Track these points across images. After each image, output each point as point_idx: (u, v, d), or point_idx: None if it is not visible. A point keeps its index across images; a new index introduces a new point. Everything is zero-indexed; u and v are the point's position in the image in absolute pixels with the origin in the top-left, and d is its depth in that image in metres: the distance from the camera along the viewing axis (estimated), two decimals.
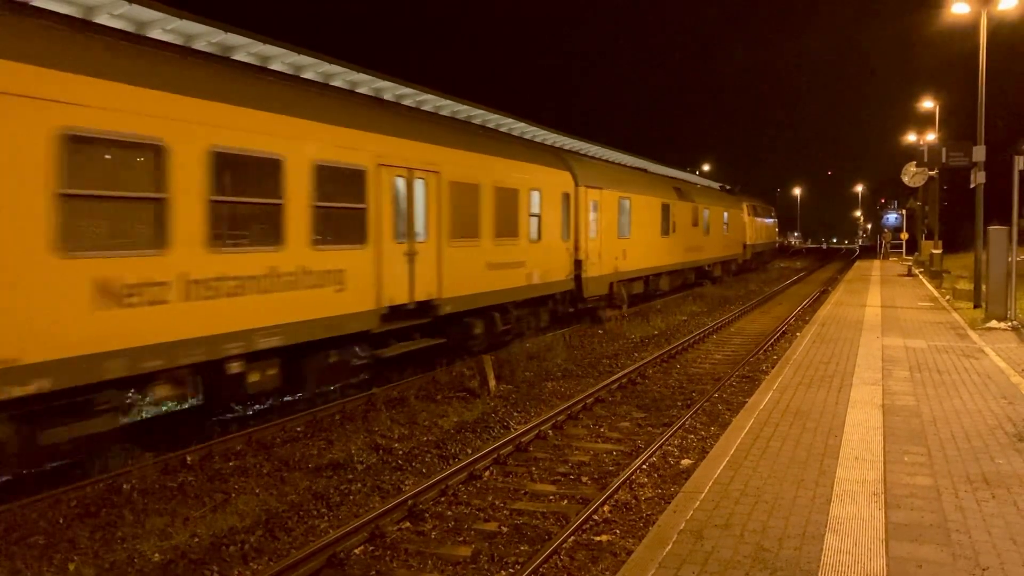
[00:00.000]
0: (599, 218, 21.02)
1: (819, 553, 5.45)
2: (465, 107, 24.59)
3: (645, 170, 32.37)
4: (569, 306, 19.97)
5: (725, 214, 38.38)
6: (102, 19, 13.19)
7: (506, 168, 16.21)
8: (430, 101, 23.01)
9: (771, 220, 58.39)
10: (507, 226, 16.07)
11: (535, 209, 17.40)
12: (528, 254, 16.99)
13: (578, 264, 19.75)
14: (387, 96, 21.27)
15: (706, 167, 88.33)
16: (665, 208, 27.55)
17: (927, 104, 41.96)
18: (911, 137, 48.38)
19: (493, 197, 15.47)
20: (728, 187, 56.85)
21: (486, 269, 15.24)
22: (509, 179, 16.20)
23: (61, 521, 7.36)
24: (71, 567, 6.44)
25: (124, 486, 8.19)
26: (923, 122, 46.23)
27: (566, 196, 19.17)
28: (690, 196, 31.53)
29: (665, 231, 27.55)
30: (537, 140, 28.69)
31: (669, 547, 5.59)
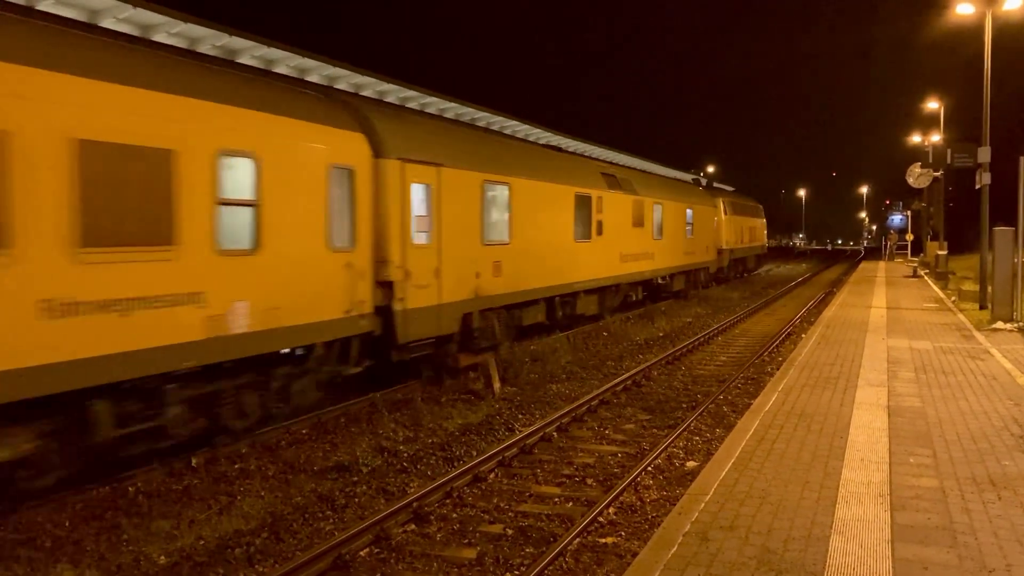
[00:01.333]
0: (439, 213, 13.03)
1: (824, 555, 5.44)
2: (469, 109, 24.63)
3: (559, 148, 23.97)
4: (363, 360, 11.73)
5: (689, 211, 29.70)
6: (107, 23, 13.25)
7: (121, 103, 7.87)
8: (433, 103, 23.06)
9: (759, 220, 48.44)
10: (130, 222, 7.91)
11: (240, 191, 9.30)
12: (213, 278, 8.81)
13: (389, 289, 11.86)
14: (391, 99, 21.33)
15: (711, 168, 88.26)
16: (583, 201, 19.43)
17: (932, 105, 41.93)
18: (916, 138, 48.32)
19: (67, 160, 7.32)
20: (702, 179, 48.80)
21: (37, 315, 7.03)
22: (135, 127, 7.93)
23: (67, 524, 7.37)
24: (77, 570, 6.45)
25: (129, 489, 8.20)
26: (928, 123, 46.16)
27: (343, 172, 11.01)
28: (629, 187, 23.02)
29: (584, 233, 19.48)
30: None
31: (674, 549, 5.58)
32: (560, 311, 18.59)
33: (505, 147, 17.68)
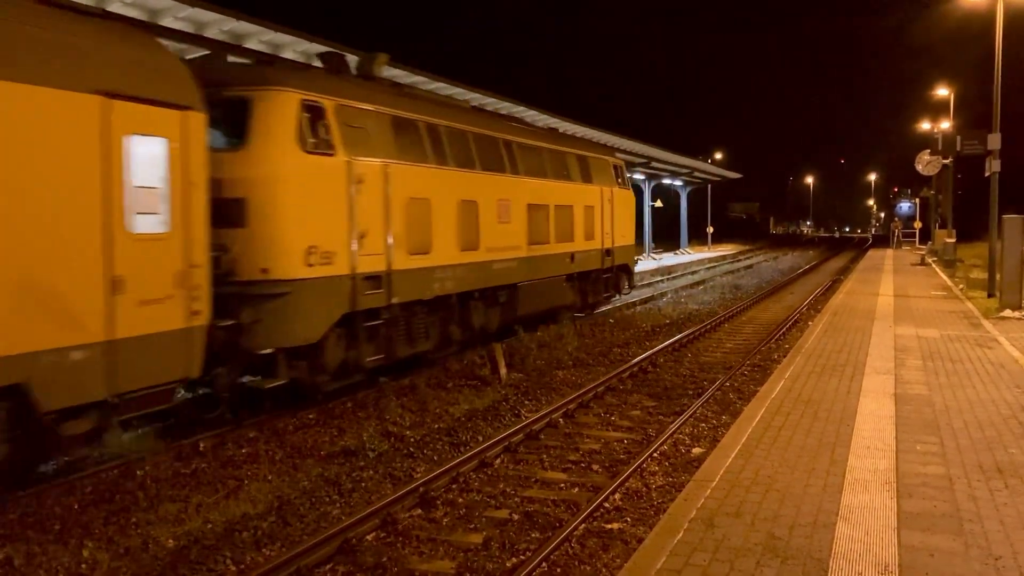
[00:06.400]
0: None
1: (830, 541, 5.44)
2: (477, 95, 24.51)
3: None
4: None
5: None
6: (115, 7, 13.22)
7: None
8: (443, 89, 22.96)
9: (594, 189, 19.49)
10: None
11: None
12: None
13: None
14: (403, 81, 21.26)
15: (718, 155, 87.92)
16: None
17: (942, 92, 41.62)
18: (925, 125, 48.02)
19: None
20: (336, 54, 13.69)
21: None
22: None
23: (76, 507, 7.42)
24: (85, 552, 6.50)
25: (138, 472, 8.25)
26: (938, 110, 45.84)
27: None
28: None
29: None
30: None
31: (680, 535, 5.59)
32: None
33: None
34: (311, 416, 10.63)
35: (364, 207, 10.95)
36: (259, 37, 16.24)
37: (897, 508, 6.05)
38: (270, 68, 11.12)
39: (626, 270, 22.31)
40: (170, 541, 6.76)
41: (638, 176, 48.20)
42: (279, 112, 9.98)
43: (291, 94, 10.12)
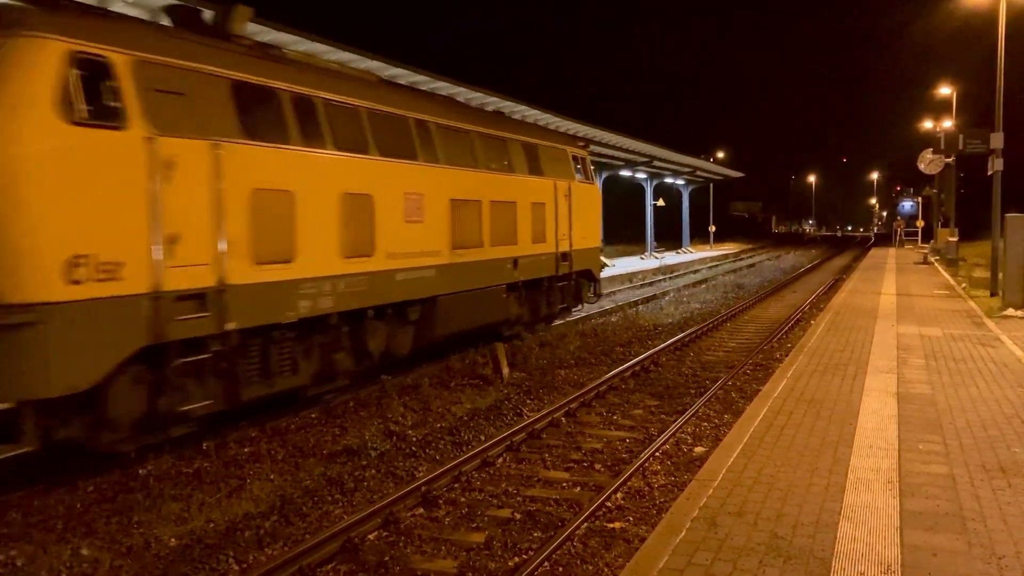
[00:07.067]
0: None
1: (833, 541, 5.44)
2: (479, 95, 24.55)
3: None
4: None
5: None
6: (116, 7, 13.23)
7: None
8: (443, 88, 22.98)
9: (554, 180, 17.04)
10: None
11: None
12: None
13: None
14: (403, 81, 21.25)
15: (720, 154, 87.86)
16: None
17: (944, 91, 41.58)
18: (928, 124, 47.98)
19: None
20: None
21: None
22: None
23: (78, 506, 7.43)
24: (88, 552, 6.50)
25: (140, 472, 8.26)
26: (940, 108, 45.79)
27: None
28: None
29: None
30: None
31: (682, 534, 5.59)
32: None
33: None
34: (313, 415, 10.64)
35: (178, 200, 8.02)
36: (260, 37, 16.25)
37: (900, 507, 6.04)
38: (20, 7, 7.79)
39: (589, 276, 19.26)
40: (172, 540, 6.77)
41: (640, 175, 48.14)
42: (28, 66, 7.04)
43: (51, 42, 7.20)
